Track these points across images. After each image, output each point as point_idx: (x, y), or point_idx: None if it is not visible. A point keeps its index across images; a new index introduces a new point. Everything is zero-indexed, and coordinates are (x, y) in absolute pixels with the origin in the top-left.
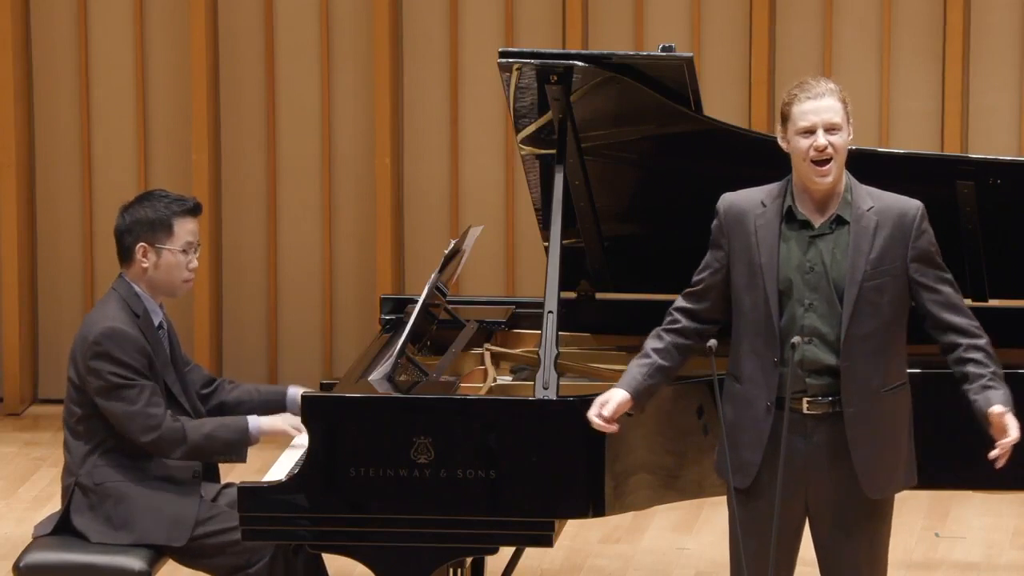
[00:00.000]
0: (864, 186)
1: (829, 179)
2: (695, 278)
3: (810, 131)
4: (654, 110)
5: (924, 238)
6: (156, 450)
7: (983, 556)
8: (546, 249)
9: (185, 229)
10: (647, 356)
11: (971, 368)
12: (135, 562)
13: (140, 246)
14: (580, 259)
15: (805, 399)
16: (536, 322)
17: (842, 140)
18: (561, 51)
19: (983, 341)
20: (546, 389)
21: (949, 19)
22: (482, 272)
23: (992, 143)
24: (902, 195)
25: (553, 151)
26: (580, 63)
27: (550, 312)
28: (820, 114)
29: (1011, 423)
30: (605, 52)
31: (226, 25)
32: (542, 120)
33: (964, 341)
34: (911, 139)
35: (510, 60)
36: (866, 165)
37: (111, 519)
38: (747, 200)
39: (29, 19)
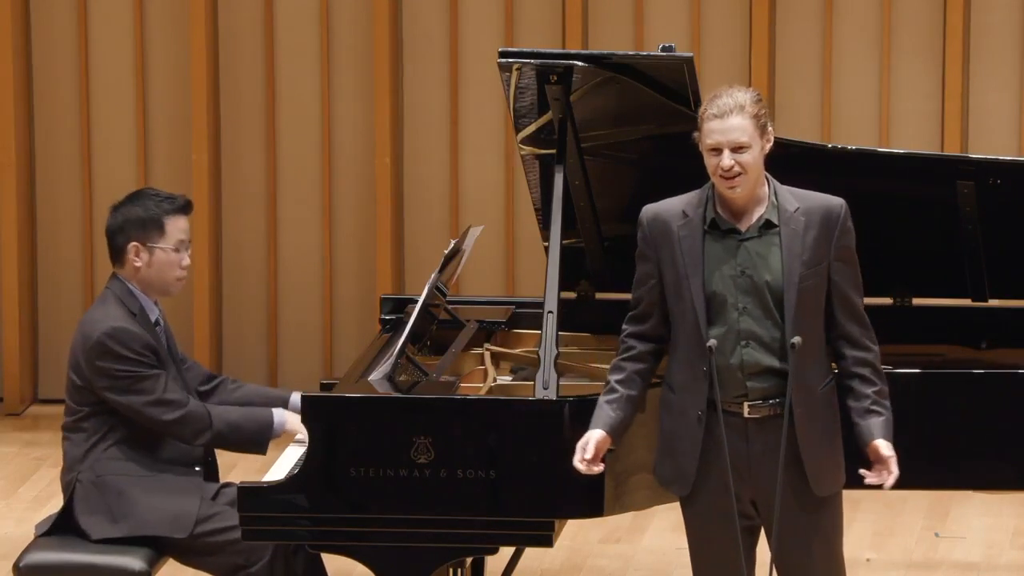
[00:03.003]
0: (785, 187)
1: (738, 191)
2: (633, 298)
3: (716, 149)
4: (654, 110)
5: (847, 237)
6: (181, 432)
7: (983, 556)
8: (546, 249)
9: (177, 227)
10: (613, 391)
11: (856, 384)
12: (135, 562)
13: (132, 245)
14: (580, 259)
15: (746, 403)
16: (536, 322)
17: (752, 157)
18: (561, 51)
19: (871, 355)
20: (546, 389)
21: (949, 19)
22: (482, 272)
23: (992, 143)
24: (827, 193)
25: (553, 151)
26: (580, 63)
27: (550, 312)
28: (726, 134)
29: (893, 464)
30: (605, 52)
31: (226, 25)
32: (542, 120)
33: (853, 354)
34: (911, 139)
35: (510, 60)
36: (867, 165)
37: (112, 511)
38: (668, 211)
39: (29, 19)
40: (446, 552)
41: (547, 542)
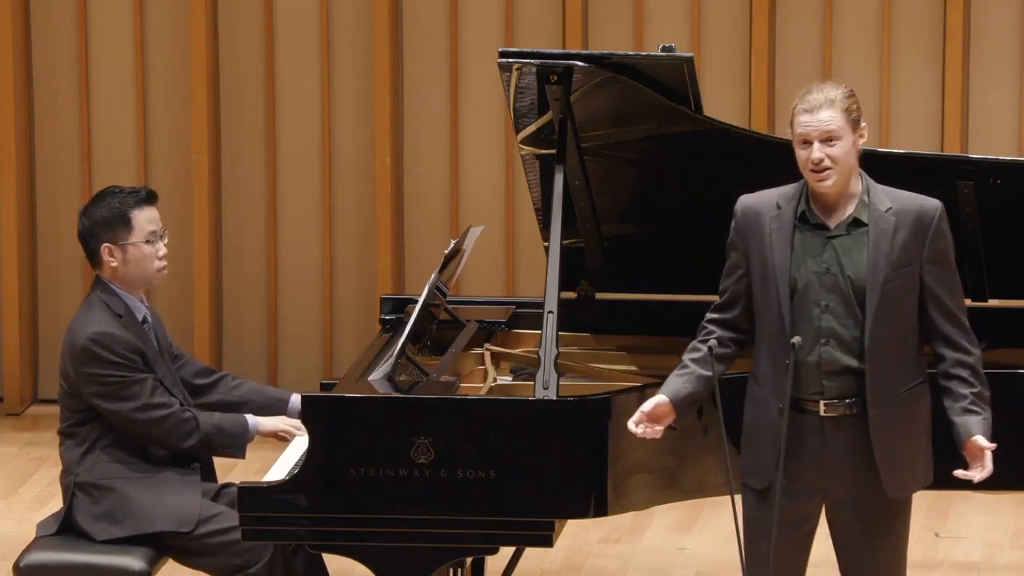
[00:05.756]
0: (881, 186)
1: (828, 184)
2: (721, 287)
3: (806, 141)
4: (654, 110)
5: (941, 240)
6: (168, 439)
7: (983, 556)
8: (546, 249)
9: (144, 219)
10: (685, 367)
11: (955, 385)
12: (135, 562)
13: (105, 247)
14: (580, 259)
15: (822, 401)
16: (536, 322)
17: (842, 150)
18: (561, 51)
19: (972, 358)
20: (546, 389)
21: (949, 19)
22: (482, 272)
23: (992, 143)
24: (921, 194)
25: (553, 151)
26: (580, 63)
27: (550, 312)
28: (816, 126)
29: (988, 458)
30: (605, 52)
31: (226, 25)
32: (542, 120)
33: (953, 355)
34: (911, 139)
35: (510, 60)
36: (866, 165)
37: (114, 513)
38: (763, 202)
39: (29, 19)
40: (446, 552)
41: (547, 542)
